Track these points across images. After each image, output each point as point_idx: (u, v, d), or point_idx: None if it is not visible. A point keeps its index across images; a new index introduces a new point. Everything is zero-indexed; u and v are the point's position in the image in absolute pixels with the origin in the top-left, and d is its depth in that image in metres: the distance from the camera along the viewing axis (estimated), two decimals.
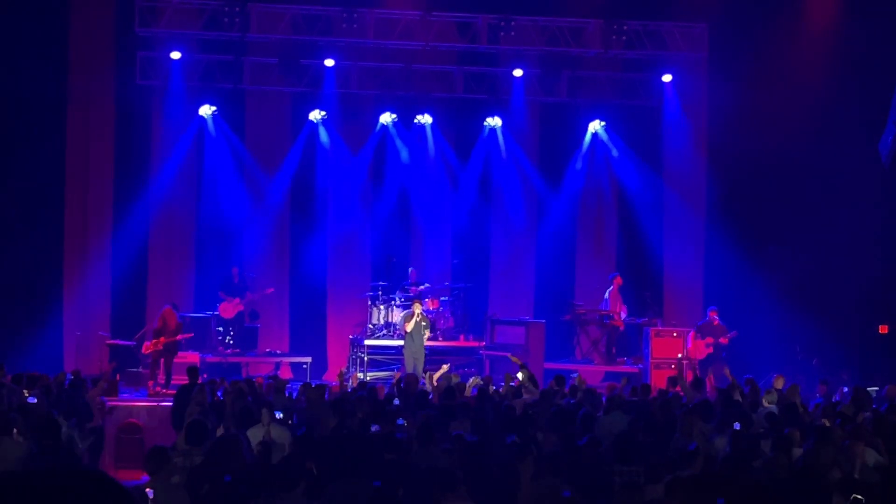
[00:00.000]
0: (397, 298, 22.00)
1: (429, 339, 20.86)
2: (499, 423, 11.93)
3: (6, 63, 20.47)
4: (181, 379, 17.07)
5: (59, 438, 10.64)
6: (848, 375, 18.36)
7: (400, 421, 12.02)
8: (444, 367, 18.07)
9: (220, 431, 11.54)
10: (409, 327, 20.06)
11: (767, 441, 10.83)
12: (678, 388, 16.13)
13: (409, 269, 22.90)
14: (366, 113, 23.15)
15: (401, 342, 20.55)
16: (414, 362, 19.88)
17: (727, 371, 16.80)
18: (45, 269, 21.67)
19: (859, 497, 7.54)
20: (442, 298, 22.68)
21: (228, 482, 8.90)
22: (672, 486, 7.89)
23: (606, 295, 22.37)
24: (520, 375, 15.75)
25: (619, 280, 22.33)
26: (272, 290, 21.68)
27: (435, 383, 16.79)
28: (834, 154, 21.16)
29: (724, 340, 20.30)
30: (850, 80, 21.25)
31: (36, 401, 13.34)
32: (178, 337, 19.55)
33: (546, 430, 11.92)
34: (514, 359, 16.96)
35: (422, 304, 20.72)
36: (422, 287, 22.24)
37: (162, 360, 19.29)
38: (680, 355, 20.63)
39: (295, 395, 15.65)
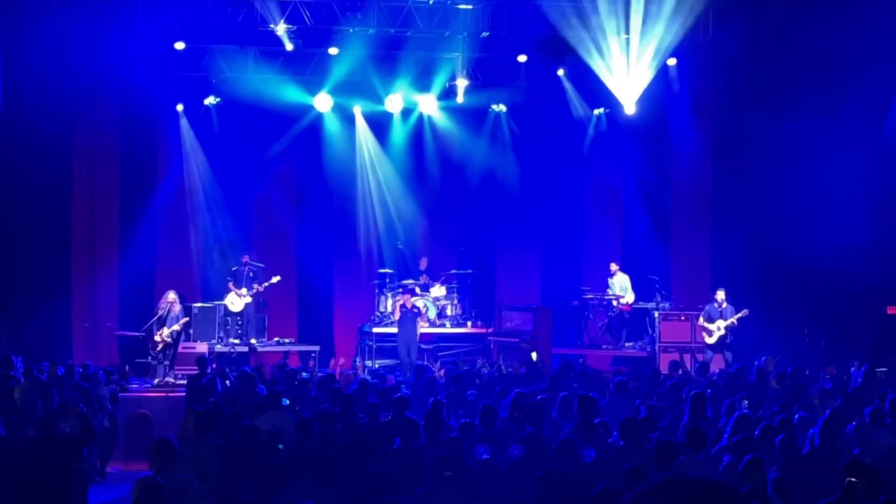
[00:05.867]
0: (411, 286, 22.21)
1: (437, 326, 21.29)
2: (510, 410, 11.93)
3: (12, 57, 20.50)
4: (190, 369, 17.16)
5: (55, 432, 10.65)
6: (856, 357, 18.30)
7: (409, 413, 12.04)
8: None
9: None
10: (396, 316, 20.88)
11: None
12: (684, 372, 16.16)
13: (422, 259, 22.99)
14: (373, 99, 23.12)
15: None
16: (407, 350, 20.17)
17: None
18: (54, 261, 21.71)
19: (854, 480, 7.53)
20: (449, 285, 22.76)
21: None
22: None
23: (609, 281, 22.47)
24: (533, 356, 15.94)
25: (613, 266, 22.45)
26: (279, 278, 21.65)
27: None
28: (841, 134, 21.08)
29: (734, 321, 20.24)
30: (857, 59, 21.14)
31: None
32: (182, 324, 19.66)
33: (556, 416, 11.95)
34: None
35: (412, 297, 21.08)
36: (428, 281, 22.47)
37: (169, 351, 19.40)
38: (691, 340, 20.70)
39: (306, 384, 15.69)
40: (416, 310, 21.01)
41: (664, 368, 17.82)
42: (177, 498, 8.34)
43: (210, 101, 22.53)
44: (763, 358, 16.90)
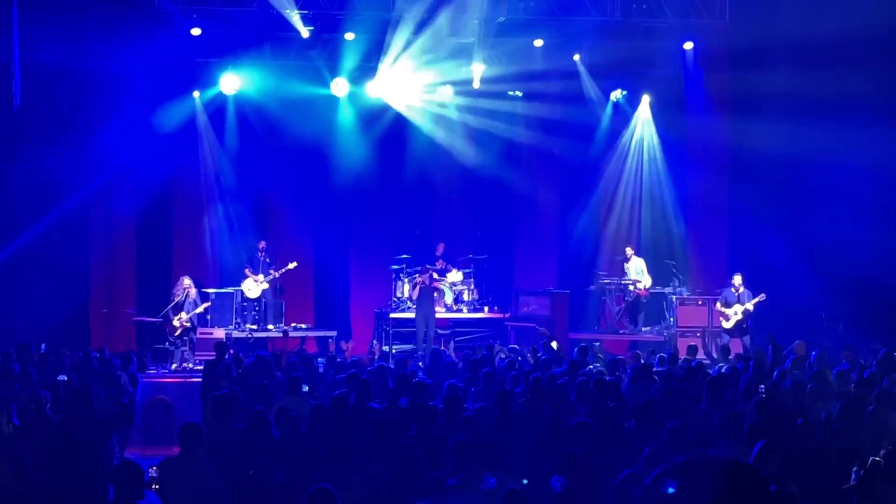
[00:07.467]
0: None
1: (454, 311, 21.35)
2: (527, 394, 11.94)
3: (28, 45, 20.51)
4: (208, 354, 17.20)
5: (92, 413, 10.67)
6: (874, 341, 18.23)
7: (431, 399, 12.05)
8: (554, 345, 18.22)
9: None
10: (415, 294, 21.02)
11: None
12: (703, 356, 16.14)
13: (439, 244, 22.98)
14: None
15: None
16: (425, 328, 20.25)
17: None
18: (71, 247, 21.75)
19: (878, 459, 7.51)
20: (466, 270, 22.75)
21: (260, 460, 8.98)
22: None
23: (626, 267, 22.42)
24: (553, 345, 15.91)
25: (628, 251, 22.43)
26: (295, 264, 21.66)
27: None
28: (859, 120, 20.96)
29: (750, 307, 20.18)
30: (877, 48, 21.01)
31: (66, 378, 13.42)
32: (201, 308, 19.75)
33: (574, 401, 11.94)
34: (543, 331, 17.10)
35: (428, 275, 21.14)
36: (445, 266, 22.50)
37: (187, 336, 19.50)
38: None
39: (322, 368, 15.75)
40: (435, 284, 21.18)
41: (682, 353, 17.81)
42: (199, 484, 8.37)
43: (226, 86, 22.52)
44: (795, 343, 16.88)
